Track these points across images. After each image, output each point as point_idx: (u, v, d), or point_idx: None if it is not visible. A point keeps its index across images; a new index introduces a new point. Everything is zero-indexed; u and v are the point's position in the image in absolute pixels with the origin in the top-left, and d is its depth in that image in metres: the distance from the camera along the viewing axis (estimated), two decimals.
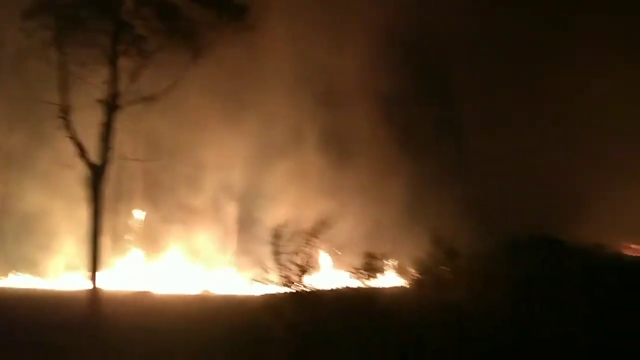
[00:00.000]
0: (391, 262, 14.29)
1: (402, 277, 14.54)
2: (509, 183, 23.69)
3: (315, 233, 13.25)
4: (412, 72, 26.33)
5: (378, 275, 13.45)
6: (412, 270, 13.98)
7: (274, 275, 13.18)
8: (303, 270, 13.09)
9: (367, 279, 13.37)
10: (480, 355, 10.81)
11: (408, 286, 13.98)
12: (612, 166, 25.23)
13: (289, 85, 23.51)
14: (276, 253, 13.17)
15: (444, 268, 13.60)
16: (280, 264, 13.15)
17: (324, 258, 16.57)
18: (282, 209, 21.75)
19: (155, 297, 18.69)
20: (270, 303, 13.05)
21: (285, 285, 13.02)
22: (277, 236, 13.25)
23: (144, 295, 18.65)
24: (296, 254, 13.00)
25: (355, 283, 13.59)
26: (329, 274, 19.14)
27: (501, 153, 25.11)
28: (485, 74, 25.43)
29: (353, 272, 13.60)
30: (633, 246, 24.58)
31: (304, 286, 13.02)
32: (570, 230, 18.34)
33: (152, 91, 15.58)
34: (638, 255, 23.36)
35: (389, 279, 14.48)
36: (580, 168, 24.80)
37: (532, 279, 12.86)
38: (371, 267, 13.38)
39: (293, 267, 13.08)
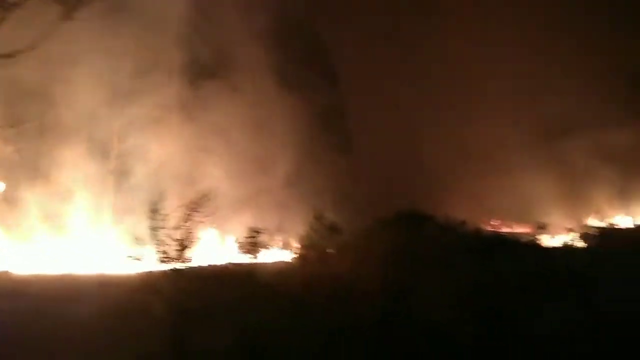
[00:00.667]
0: (276, 238, 14.27)
1: (287, 252, 14.61)
2: (389, 162, 24.87)
3: (196, 206, 12.75)
4: (296, 52, 26.46)
5: (262, 250, 13.34)
6: (296, 246, 14.08)
7: (152, 251, 12.54)
8: (183, 245, 12.56)
9: (251, 254, 13.23)
10: (363, 327, 11.18)
11: (292, 261, 14.06)
12: (481, 153, 27.73)
13: (168, 42, 22.39)
14: (154, 228, 12.52)
15: (326, 243, 13.84)
16: (158, 239, 12.52)
17: (206, 232, 16.09)
18: (161, 177, 20.92)
19: (14, 277, 17.13)
20: (147, 281, 12.43)
21: (163, 261, 12.44)
22: (154, 210, 12.59)
23: (2, 276, 17.02)
24: (176, 228, 12.45)
25: (239, 258, 13.39)
26: (213, 249, 18.75)
27: (384, 133, 26.30)
28: (371, 56, 26.23)
29: (238, 247, 13.40)
30: (492, 222, 27.65)
31: (183, 262, 12.53)
32: (441, 208, 19.76)
33: (14, 47, 13.97)
34: (495, 230, 26.06)
35: (274, 254, 14.47)
36: (453, 152, 26.95)
37: (406, 252, 13.58)
38: (255, 242, 13.24)
39: (172, 243, 12.52)
